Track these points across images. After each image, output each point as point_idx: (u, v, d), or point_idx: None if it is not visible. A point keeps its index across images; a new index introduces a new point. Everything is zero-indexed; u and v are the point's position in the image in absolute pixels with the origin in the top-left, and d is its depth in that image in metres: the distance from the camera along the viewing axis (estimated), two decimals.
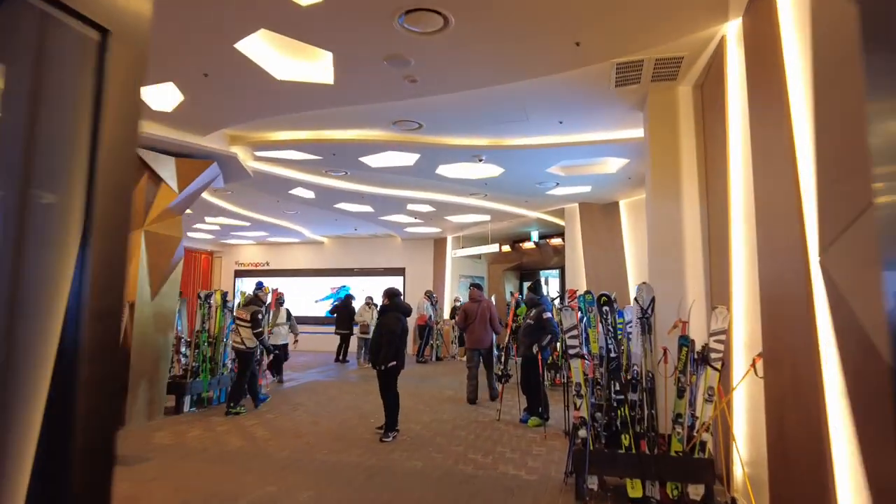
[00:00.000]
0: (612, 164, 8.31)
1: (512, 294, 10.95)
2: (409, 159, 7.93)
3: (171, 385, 7.68)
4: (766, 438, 3.55)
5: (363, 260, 17.47)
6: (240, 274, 18.87)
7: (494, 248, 13.19)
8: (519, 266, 15.98)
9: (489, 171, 8.60)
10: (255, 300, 8.21)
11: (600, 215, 11.09)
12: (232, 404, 7.60)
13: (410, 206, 11.50)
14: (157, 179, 6.96)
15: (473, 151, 7.36)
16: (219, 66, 4.81)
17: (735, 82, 4.44)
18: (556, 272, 16.16)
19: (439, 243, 16.54)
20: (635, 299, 4.45)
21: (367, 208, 11.71)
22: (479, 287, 9.26)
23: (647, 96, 5.62)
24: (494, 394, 8.62)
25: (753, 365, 3.74)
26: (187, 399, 7.79)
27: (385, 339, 6.45)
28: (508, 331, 8.00)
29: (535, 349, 6.81)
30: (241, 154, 7.69)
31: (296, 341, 10.52)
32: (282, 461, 5.44)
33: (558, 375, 9.87)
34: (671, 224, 5.43)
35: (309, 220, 14.14)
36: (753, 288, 4.05)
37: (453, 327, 14.90)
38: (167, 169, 6.99)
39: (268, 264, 18.62)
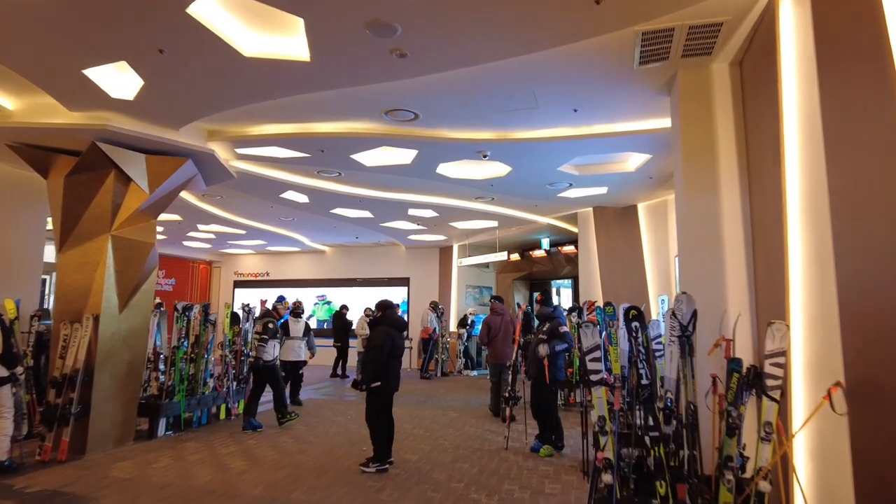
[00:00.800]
0: (632, 161, 7.52)
1: (519, 306, 10.11)
2: (406, 156, 7.20)
3: (143, 406, 6.96)
4: (854, 494, 2.73)
5: (366, 269, 16.75)
6: (239, 284, 18.22)
7: (502, 256, 12.40)
8: (529, 276, 15.18)
9: (495, 169, 7.85)
10: (269, 313, 8.09)
11: (617, 220, 10.28)
12: (280, 416, 7.65)
13: (412, 212, 10.76)
14: (125, 179, 6.27)
15: (477, 146, 6.61)
16: (174, 38, 4.11)
17: (790, 53, 3.65)
18: (568, 282, 15.33)
19: (445, 252, 15.78)
20: (672, 313, 3.64)
21: (366, 213, 10.99)
22: (500, 300, 8.75)
23: (675, 76, 4.85)
24: (500, 412, 8.17)
25: (829, 396, 2.92)
26: (162, 422, 7.05)
27: (371, 356, 5.66)
28: (516, 346, 7.20)
29: (542, 351, 5.99)
30: (221, 151, 7.00)
31: (311, 356, 9.75)
32: (251, 502, 4.66)
33: (572, 394, 9.03)
34: (707, 224, 4.63)
35: (307, 228, 13.45)
36: (820, 297, 3.24)
37: (460, 339, 14.10)
38: (137, 167, 6.30)
39: (267, 274, 17.95)
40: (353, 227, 12.69)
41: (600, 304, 8.15)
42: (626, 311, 3.86)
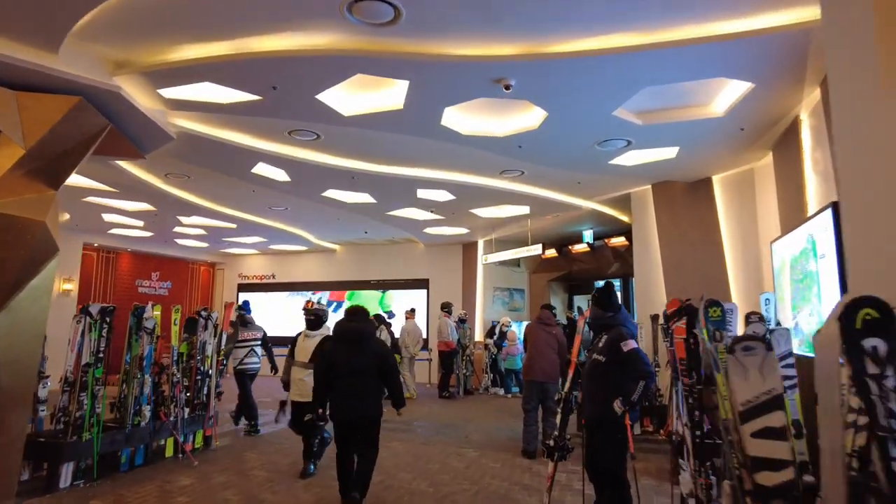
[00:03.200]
0: (722, 100, 5.26)
1: (580, 312, 7.92)
2: (394, 95, 5.13)
3: (35, 447, 5.06)
4: None
5: (381, 270, 14.75)
6: (243, 288, 16.47)
7: (536, 249, 10.17)
8: (568, 275, 12.90)
9: (523, 117, 5.70)
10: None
11: (685, 199, 7.96)
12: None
13: (422, 194, 8.67)
14: None
15: (494, 69, 4.47)
16: None
17: None
18: (615, 282, 12.96)
19: (469, 249, 13.64)
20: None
21: (366, 197, 8.95)
22: (551, 308, 6.98)
23: None
24: (533, 448, 6.45)
25: None
26: (67, 468, 5.12)
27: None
28: (571, 371, 4.99)
29: (618, 407, 3.79)
30: (140, 95, 5.06)
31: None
32: None
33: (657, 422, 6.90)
34: None
35: (307, 221, 11.52)
36: None
37: (487, 349, 11.92)
38: (4, 110, 4.41)
39: (273, 276, 16.16)
40: (358, 218, 10.69)
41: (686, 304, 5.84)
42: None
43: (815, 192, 5.10)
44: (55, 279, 11.85)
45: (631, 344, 3.90)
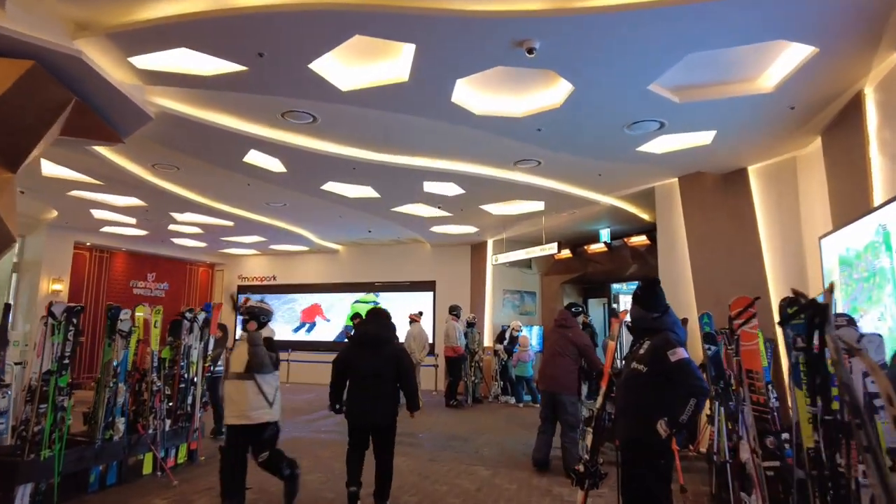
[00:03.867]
0: (777, 69, 4.58)
1: (615, 314, 7.14)
2: (399, 68, 4.49)
3: None
4: None
5: (385, 272, 14.12)
6: (243, 290, 15.87)
7: (551, 248, 9.49)
8: (583, 278, 12.22)
9: (546, 94, 5.05)
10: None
11: (716, 192, 7.27)
12: None
13: (429, 187, 8.03)
14: None
15: (513, 28, 3.81)
16: None
17: None
18: (635, 285, 12.28)
19: (478, 249, 12.98)
20: None
21: (369, 191, 8.32)
22: (577, 308, 6.44)
23: None
24: (542, 458, 6.01)
25: None
26: (23, 490, 4.50)
27: None
28: (604, 384, 4.32)
29: (662, 429, 3.13)
30: (108, 65, 4.45)
31: None
32: None
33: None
34: None
35: (308, 219, 10.91)
36: None
37: (497, 355, 11.24)
38: None
39: (274, 278, 15.56)
40: (360, 215, 10.06)
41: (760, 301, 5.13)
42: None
43: (883, 176, 4.41)
44: (42, 279, 11.37)
45: (680, 353, 3.22)
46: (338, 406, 4.63)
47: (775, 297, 6.47)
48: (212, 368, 6.53)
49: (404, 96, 4.92)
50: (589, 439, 4.11)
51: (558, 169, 7.31)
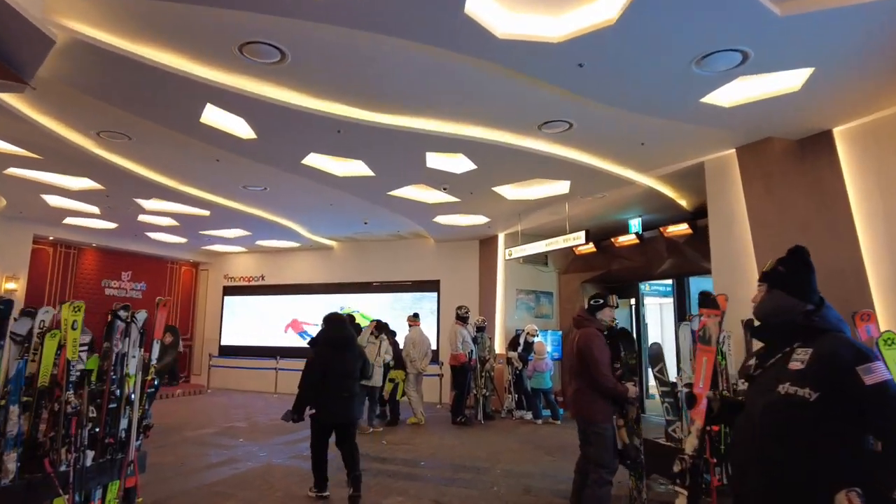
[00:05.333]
0: None
1: (710, 298, 4.69)
2: None
3: None
4: None
5: (385, 270, 12.75)
6: (229, 291, 14.52)
7: (577, 238, 8.05)
8: (606, 276, 10.80)
9: (595, 6, 3.66)
10: None
11: (790, 164, 5.86)
12: None
13: (432, 160, 6.65)
14: None
15: None
16: None
17: None
18: (668, 284, 10.84)
19: (487, 245, 11.59)
20: None
21: (361, 167, 6.94)
22: (595, 300, 4.33)
23: None
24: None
25: None
26: None
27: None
28: (699, 406, 2.87)
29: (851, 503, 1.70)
30: None
31: None
32: None
33: None
34: None
35: (292, 206, 9.54)
36: None
37: (510, 364, 9.83)
38: None
39: (263, 278, 14.19)
40: (352, 202, 8.68)
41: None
42: None
43: None
44: None
45: (880, 371, 1.82)
46: (296, 417, 4.87)
47: (879, 293, 5.05)
48: (156, 383, 5.12)
49: (403, 11, 3.53)
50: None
51: (592, 135, 5.92)
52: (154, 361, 5.06)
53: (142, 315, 4.88)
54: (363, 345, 8.42)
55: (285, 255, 13.91)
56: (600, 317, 4.15)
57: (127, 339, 4.75)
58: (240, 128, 5.74)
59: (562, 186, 7.76)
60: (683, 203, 8.81)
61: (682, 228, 8.44)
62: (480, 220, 9.91)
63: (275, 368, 12.78)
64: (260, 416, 9.52)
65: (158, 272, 13.80)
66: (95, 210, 9.58)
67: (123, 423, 4.73)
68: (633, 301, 10.87)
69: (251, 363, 13.34)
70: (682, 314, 9.75)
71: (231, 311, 14.42)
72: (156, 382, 5.17)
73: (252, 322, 14.14)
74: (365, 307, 12.49)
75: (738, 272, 6.26)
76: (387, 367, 8.64)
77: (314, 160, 6.73)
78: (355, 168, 7.02)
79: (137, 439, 4.86)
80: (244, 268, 14.42)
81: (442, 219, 9.89)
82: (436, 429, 8.52)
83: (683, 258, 9.17)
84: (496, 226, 10.45)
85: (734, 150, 6.36)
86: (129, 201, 8.88)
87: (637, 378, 4.82)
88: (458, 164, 6.75)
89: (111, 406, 4.62)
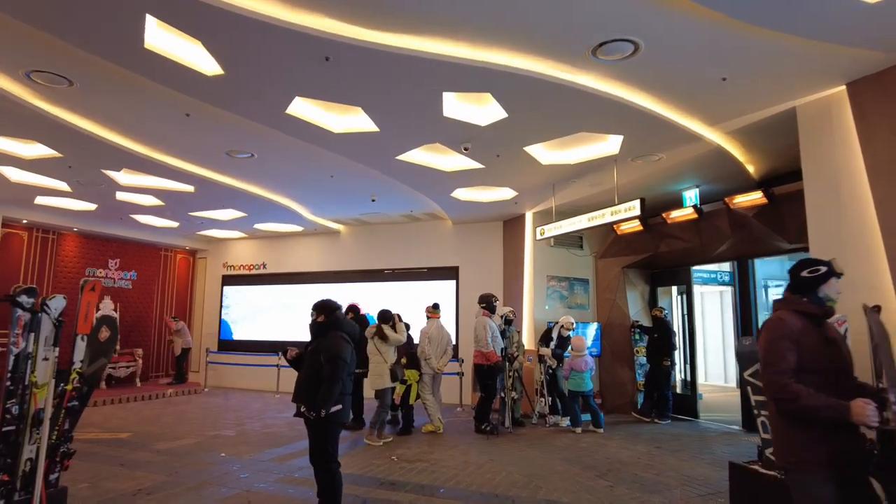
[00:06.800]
0: None
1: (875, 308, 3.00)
2: None
3: None
4: None
5: (397, 257, 11.42)
6: (228, 281, 13.31)
7: (632, 208, 6.55)
8: (651, 260, 9.32)
9: None
10: None
11: None
12: None
13: (450, 106, 5.25)
14: None
15: None
16: None
17: None
18: (726, 270, 9.28)
19: (513, 226, 10.18)
20: None
21: (362, 120, 5.56)
22: (815, 269, 2.55)
23: None
24: None
25: None
26: None
27: (332, 372, 3.83)
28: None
29: None
30: None
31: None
32: None
33: None
34: None
35: (286, 178, 8.21)
36: None
37: (543, 362, 8.44)
38: None
39: (264, 266, 12.94)
40: (355, 171, 7.31)
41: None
42: None
43: None
44: None
45: None
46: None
47: None
48: (84, 391, 3.82)
49: None
50: None
51: (661, 65, 4.47)
52: (77, 365, 3.75)
53: (57, 302, 3.56)
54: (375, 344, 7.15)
55: (288, 241, 12.65)
56: (825, 292, 2.51)
57: (32, 334, 3.43)
58: (199, 59, 4.40)
59: (611, 145, 6.31)
60: (751, 169, 7.32)
61: (755, 198, 6.95)
62: (506, 194, 8.49)
63: (276, 366, 11.53)
64: (253, 422, 8.27)
65: (151, 260, 12.63)
66: (65, 187, 8.36)
67: (28, 452, 3.43)
68: (683, 289, 9.38)
69: (251, 359, 12.12)
70: (744, 303, 8.25)
71: (230, 303, 13.21)
72: (84, 391, 3.86)
73: (253, 315, 12.93)
74: (375, 297, 11.17)
75: (850, 246, 4.78)
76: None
77: (302, 109, 5.37)
78: (355, 122, 5.65)
79: (53, 472, 3.57)
80: (245, 255, 13.19)
81: (461, 193, 8.50)
82: (457, 439, 7.17)
83: (750, 235, 7.66)
84: (524, 202, 9.02)
85: (844, 87, 4.87)
86: (97, 173, 7.62)
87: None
88: (484, 111, 5.35)
89: (5, 429, 3.32)
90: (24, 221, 10.00)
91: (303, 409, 3.85)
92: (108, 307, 11.34)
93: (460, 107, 5.28)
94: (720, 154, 6.52)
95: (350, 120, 5.65)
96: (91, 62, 4.49)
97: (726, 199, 7.35)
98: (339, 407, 3.89)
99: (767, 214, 7.13)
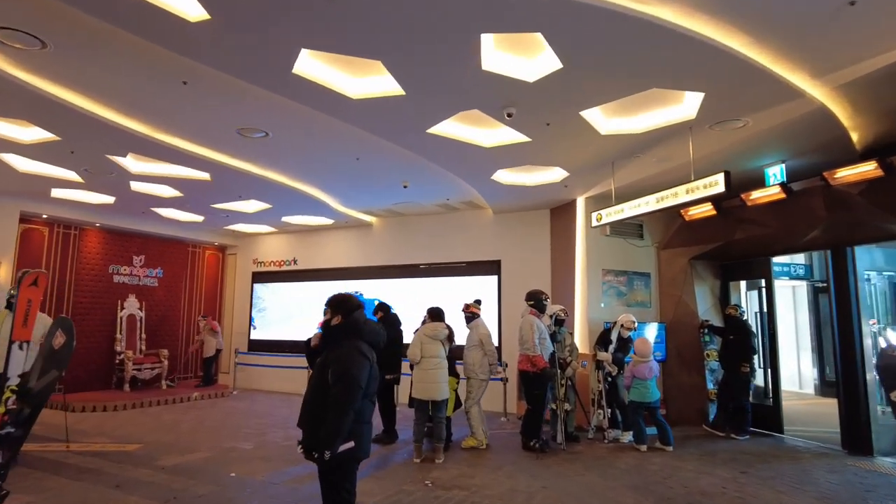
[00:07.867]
0: None
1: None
2: None
3: None
4: None
5: (433, 250, 10.50)
6: (258, 277, 12.69)
7: (715, 183, 5.35)
8: (723, 250, 8.05)
9: None
10: None
11: None
12: None
13: (490, 58, 4.24)
14: None
15: None
16: None
17: None
18: (800, 262, 7.94)
19: (561, 215, 9.09)
20: None
21: (385, 83, 4.63)
22: None
23: None
24: None
25: None
26: None
27: (342, 396, 2.92)
28: None
29: None
30: None
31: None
32: None
33: None
34: None
35: (307, 162, 7.38)
36: None
37: (600, 368, 7.36)
38: None
39: (295, 262, 12.25)
40: (382, 149, 6.39)
41: None
42: None
43: None
44: None
45: None
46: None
47: None
48: (20, 414, 3.03)
49: None
50: None
51: None
52: (13, 381, 2.95)
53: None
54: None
55: (319, 236, 11.91)
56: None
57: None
58: (185, 4, 3.55)
59: (685, 108, 5.18)
60: (854, 137, 6.02)
61: (867, 169, 5.66)
62: (555, 175, 7.42)
63: (307, 367, 10.77)
64: (275, 432, 7.50)
65: (178, 257, 12.12)
66: (76, 177, 7.79)
67: None
68: (760, 283, 8.08)
69: (281, 360, 11.45)
70: (841, 301, 6.91)
71: (260, 301, 12.59)
72: (26, 414, 3.06)
73: (282, 313, 12.27)
74: (411, 294, 10.29)
75: None
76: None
77: (311, 67, 4.47)
78: (376, 84, 4.72)
79: None
80: (275, 250, 12.54)
81: (503, 176, 7.48)
82: (501, 457, 6.19)
83: (852, 217, 6.37)
84: (575, 185, 7.92)
85: None
86: (102, 159, 6.98)
87: None
88: (531, 65, 4.33)
89: None
90: (45, 216, 9.56)
91: (300, 449, 2.95)
92: (133, 306, 10.88)
93: (503, 58, 4.28)
94: (821, 117, 5.29)
95: (370, 82, 4.73)
96: (62, 15, 3.72)
97: (825, 174, 6.07)
98: (350, 445, 2.95)
99: (879, 191, 5.84)
